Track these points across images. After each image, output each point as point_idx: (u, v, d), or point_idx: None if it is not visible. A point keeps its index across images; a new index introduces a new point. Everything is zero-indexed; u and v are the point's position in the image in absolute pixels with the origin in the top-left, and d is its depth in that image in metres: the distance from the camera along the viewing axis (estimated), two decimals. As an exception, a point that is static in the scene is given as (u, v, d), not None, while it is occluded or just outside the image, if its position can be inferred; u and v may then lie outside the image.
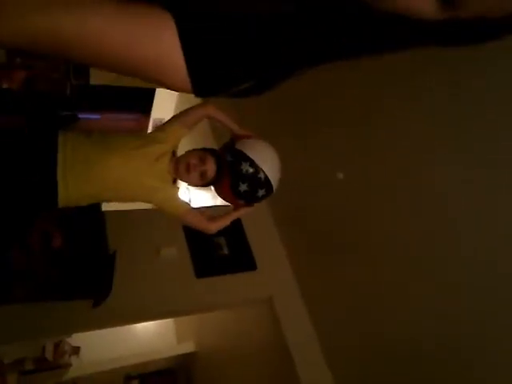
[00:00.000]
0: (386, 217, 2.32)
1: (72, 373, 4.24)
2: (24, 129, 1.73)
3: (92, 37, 0.48)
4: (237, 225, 3.19)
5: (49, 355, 4.05)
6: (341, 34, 0.47)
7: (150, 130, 4.82)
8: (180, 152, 2.04)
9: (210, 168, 1.93)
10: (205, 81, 0.51)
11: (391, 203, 2.29)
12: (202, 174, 1.93)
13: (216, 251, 3.05)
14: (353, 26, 0.45)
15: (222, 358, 3.96)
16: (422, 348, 2.16)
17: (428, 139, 2.01)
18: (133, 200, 1.96)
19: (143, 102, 5.01)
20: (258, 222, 3.28)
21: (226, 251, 3.07)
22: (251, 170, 1.79)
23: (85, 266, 2.42)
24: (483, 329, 1.83)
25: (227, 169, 1.85)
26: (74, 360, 4.25)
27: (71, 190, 1.76)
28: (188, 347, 4.61)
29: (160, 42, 0.49)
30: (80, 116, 4.34)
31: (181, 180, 2.02)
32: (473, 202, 1.85)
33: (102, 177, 1.80)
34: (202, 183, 1.98)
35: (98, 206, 2.73)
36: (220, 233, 3.08)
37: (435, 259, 2.05)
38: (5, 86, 3.57)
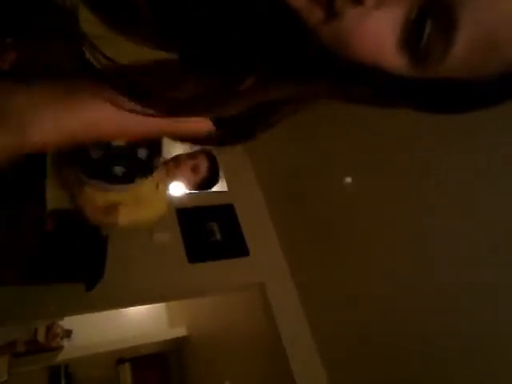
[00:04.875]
0: (384, 204, 2.31)
1: (64, 355, 4.26)
2: None
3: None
4: (230, 211, 3.19)
5: (41, 338, 4.06)
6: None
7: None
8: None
9: (202, 163, 1.91)
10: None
11: (389, 192, 2.29)
12: (194, 169, 1.91)
13: (209, 237, 3.06)
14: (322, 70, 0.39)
15: (213, 342, 3.99)
16: (420, 339, 2.16)
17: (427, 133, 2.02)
18: None
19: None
20: (251, 208, 3.28)
21: (218, 237, 3.08)
22: None
23: (77, 249, 2.41)
24: (483, 328, 1.82)
25: None
26: (65, 343, 4.27)
27: (61, 192, 1.75)
28: (180, 331, 4.64)
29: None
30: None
31: (175, 180, 1.99)
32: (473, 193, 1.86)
33: None
34: (195, 179, 1.95)
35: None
36: (213, 218, 3.10)
37: (437, 254, 2.03)
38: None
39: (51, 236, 2.19)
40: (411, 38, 0.31)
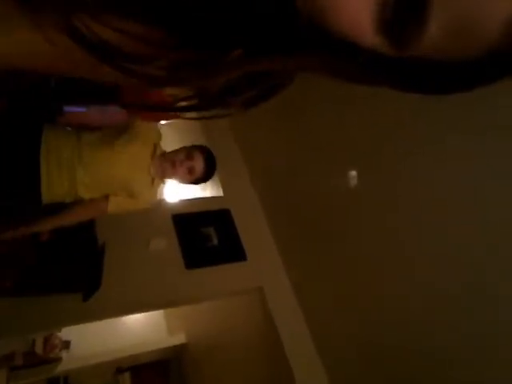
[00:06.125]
0: (381, 205, 2.31)
1: (63, 366, 4.23)
2: (5, 117, 1.71)
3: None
4: (226, 216, 3.19)
5: (39, 349, 4.03)
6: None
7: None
8: (169, 149, 2.04)
9: (198, 164, 1.92)
10: None
11: (383, 191, 2.29)
12: (190, 170, 1.92)
13: (206, 242, 3.05)
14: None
15: (213, 349, 3.97)
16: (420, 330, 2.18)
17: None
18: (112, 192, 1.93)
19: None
20: (247, 212, 3.28)
21: (215, 242, 3.07)
22: None
23: (74, 259, 2.40)
24: (483, 328, 1.81)
25: None
26: (64, 354, 4.24)
27: (55, 186, 1.73)
28: (179, 339, 4.62)
29: None
30: (65, 109, 4.26)
31: (168, 178, 2.00)
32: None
33: (88, 176, 1.79)
34: (191, 179, 1.96)
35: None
36: (209, 224, 3.09)
37: (436, 254, 2.02)
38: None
39: (47, 246, 2.17)
40: (386, 19, 0.30)
